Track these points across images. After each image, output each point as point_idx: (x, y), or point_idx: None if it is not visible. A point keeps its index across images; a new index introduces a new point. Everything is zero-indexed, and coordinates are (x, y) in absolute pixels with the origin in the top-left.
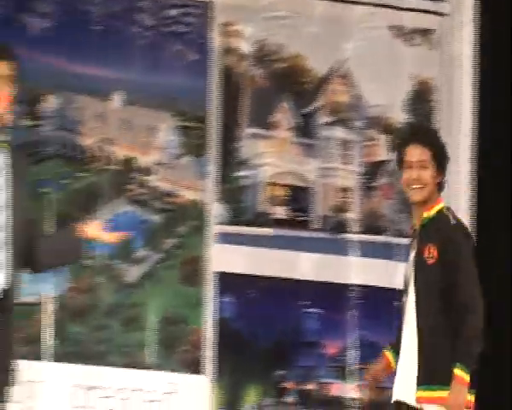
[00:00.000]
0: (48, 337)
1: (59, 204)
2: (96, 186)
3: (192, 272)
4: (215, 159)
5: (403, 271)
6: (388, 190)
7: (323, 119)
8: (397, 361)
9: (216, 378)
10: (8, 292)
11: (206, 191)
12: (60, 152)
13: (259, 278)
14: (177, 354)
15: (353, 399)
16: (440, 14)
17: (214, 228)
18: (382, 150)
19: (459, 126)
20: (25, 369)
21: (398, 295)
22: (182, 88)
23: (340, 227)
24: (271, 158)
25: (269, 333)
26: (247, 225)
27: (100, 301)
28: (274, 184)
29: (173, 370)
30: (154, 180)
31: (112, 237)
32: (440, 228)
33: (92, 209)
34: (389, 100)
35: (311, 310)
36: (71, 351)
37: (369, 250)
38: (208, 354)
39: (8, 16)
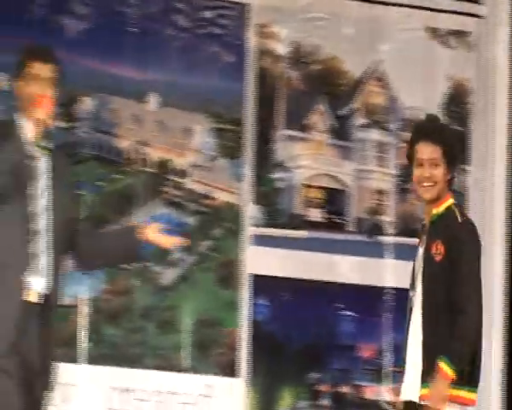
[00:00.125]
0: (83, 340)
1: (94, 206)
2: (132, 188)
3: (227, 274)
4: (250, 161)
5: None
6: None
7: (359, 121)
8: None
9: (250, 381)
10: (50, 297)
11: (241, 194)
12: (95, 154)
13: (294, 281)
14: (212, 356)
15: (388, 402)
16: (476, 16)
17: (249, 230)
18: None
19: (494, 128)
20: (60, 372)
21: None
22: (217, 90)
23: (376, 230)
24: (307, 160)
25: (303, 336)
26: (282, 227)
27: (135, 304)
28: (309, 187)
29: (208, 372)
30: (189, 182)
31: (168, 242)
32: (447, 225)
33: (127, 212)
34: (425, 102)
35: (345, 313)
36: (106, 353)
37: (404, 253)
38: (243, 356)
39: (45, 18)
